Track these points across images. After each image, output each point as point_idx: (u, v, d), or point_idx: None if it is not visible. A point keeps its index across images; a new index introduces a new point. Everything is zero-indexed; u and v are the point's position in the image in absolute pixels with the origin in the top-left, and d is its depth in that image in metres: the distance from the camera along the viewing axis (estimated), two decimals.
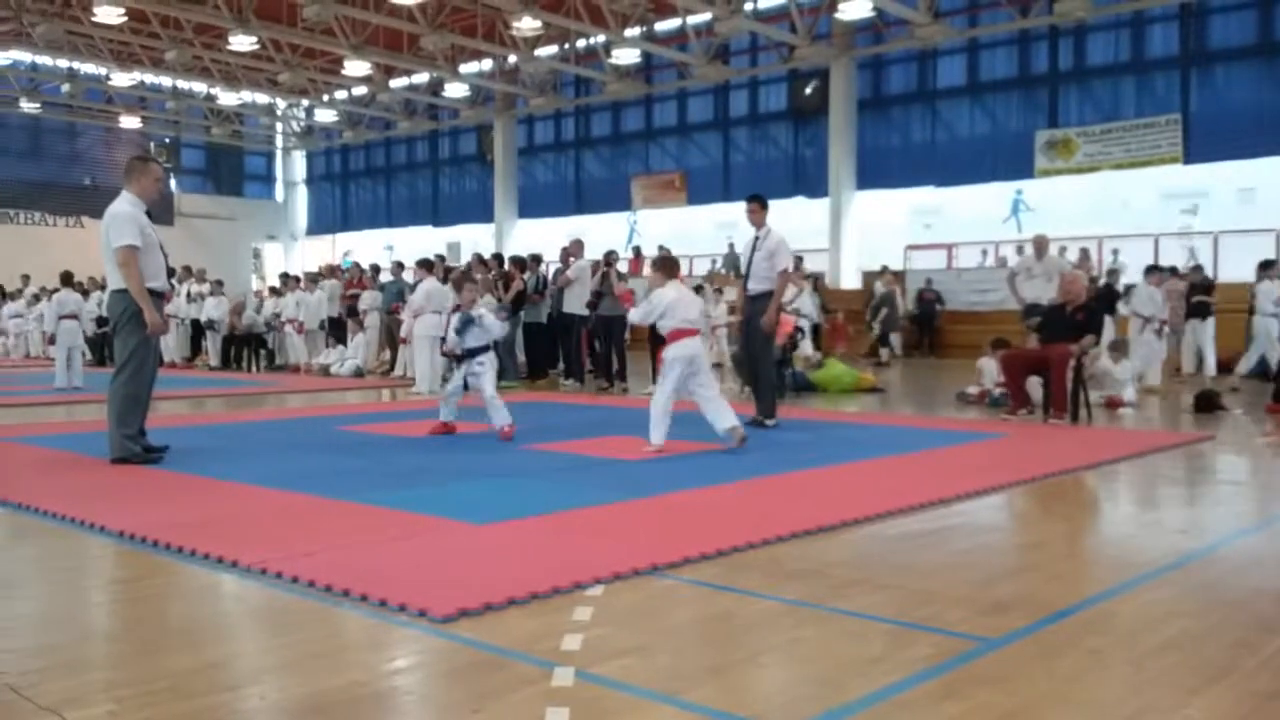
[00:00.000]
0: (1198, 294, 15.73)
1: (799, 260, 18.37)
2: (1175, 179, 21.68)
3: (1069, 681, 3.05)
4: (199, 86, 32.10)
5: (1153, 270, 14.82)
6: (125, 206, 7.02)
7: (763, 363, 9.55)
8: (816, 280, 20.97)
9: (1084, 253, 18.96)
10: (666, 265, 8.21)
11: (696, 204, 28.87)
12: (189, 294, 21.08)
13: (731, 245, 24.74)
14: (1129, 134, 21.90)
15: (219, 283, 21.10)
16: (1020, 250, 22.26)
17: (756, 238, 9.45)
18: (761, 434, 8.48)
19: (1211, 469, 7.56)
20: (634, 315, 8.10)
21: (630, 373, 14.50)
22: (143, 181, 7.18)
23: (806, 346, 17.52)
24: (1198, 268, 16.85)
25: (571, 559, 4.30)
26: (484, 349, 8.50)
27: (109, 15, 22.74)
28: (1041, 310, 11.10)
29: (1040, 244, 12.75)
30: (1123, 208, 22.34)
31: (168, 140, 36.73)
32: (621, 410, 8.26)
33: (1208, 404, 10.82)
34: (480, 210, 33.31)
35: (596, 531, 4.92)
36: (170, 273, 22.80)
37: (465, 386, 8.49)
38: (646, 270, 23.74)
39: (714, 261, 26.82)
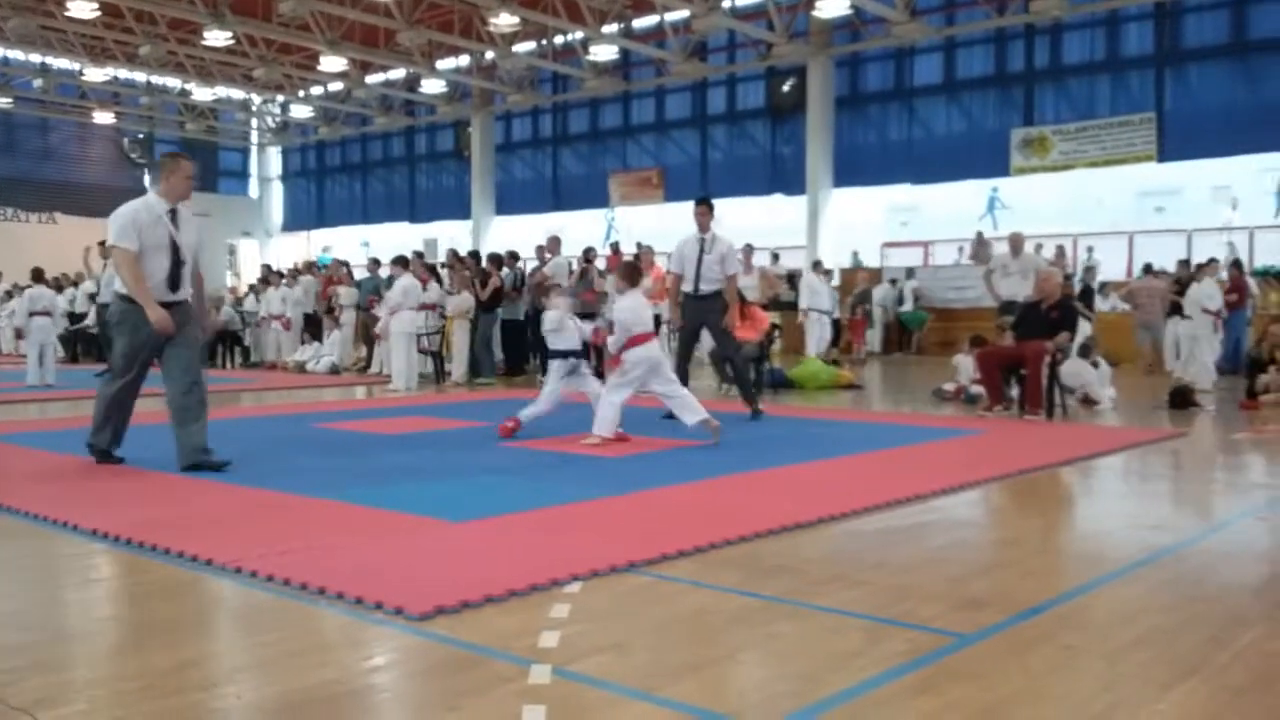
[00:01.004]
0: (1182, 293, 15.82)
1: (817, 260, 18.33)
2: (1149, 177, 21.83)
3: (1043, 677, 3.07)
4: (173, 82, 31.83)
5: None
6: (134, 205, 6.68)
7: (735, 354, 9.99)
8: (891, 279, 20.73)
9: (1059, 250, 19.08)
10: (632, 273, 8.36)
11: (674, 201, 28.81)
12: None
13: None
14: (1104, 132, 22.03)
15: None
16: (973, 247, 22.44)
17: (703, 239, 9.56)
18: (739, 430, 8.50)
19: (1184, 465, 7.62)
20: (612, 347, 8.15)
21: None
22: (172, 180, 6.78)
23: (816, 344, 17.49)
24: (1236, 262, 16.90)
25: (549, 556, 4.30)
26: (579, 352, 8.44)
27: (82, 10, 22.52)
28: (1016, 307, 11.18)
29: (1016, 242, 12.83)
30: (1097, 206, 22.48)
31: (141, 136, 36.42)
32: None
33: (1182, 400, 10.91)
34: (457, 206, 33.19)
35: (574, 528, 4.92)
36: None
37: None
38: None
39: None
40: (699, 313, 9.64)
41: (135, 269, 6.51)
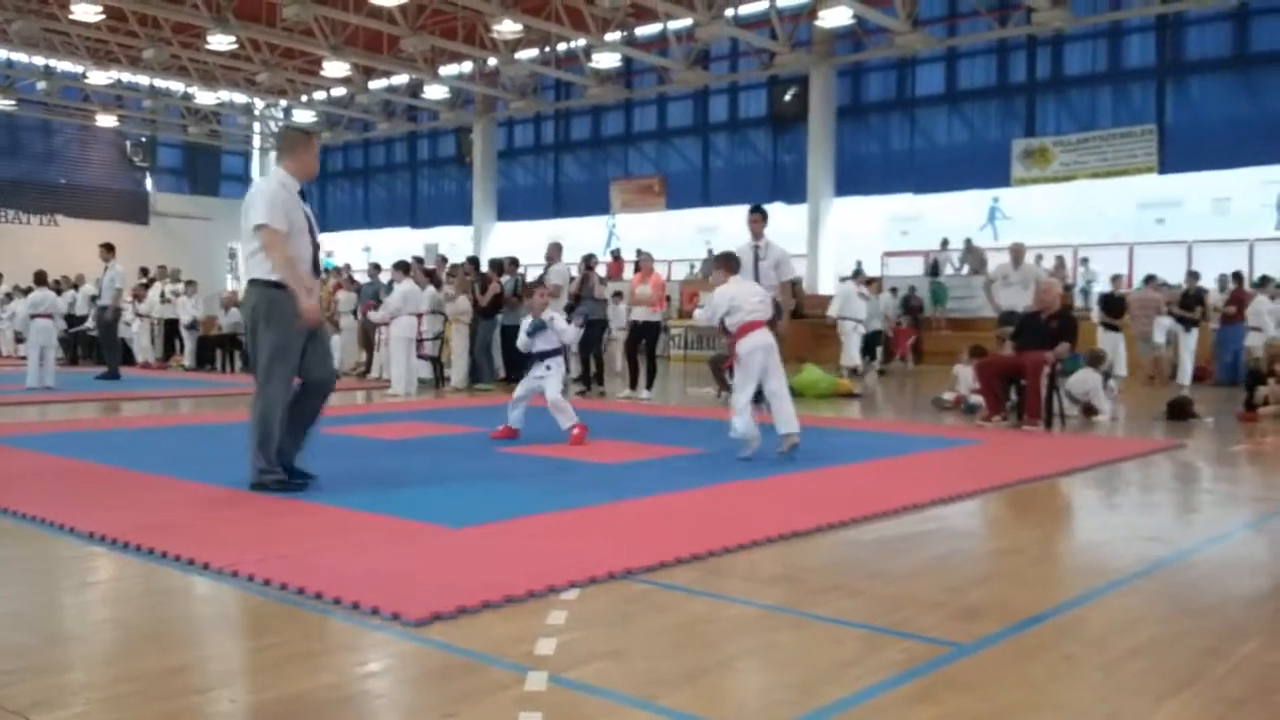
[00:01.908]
0: (1187, 304, 15.87)
1: (858, 269, 18.02)
2: (1150, 188, 21.86)
3: (1040, 687, 3.07)
4: (176, 85, 31.90)
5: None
6: (272, 183, 5.99)
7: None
8: (891, 287, 20.54)
9: (1059, 261, 19.10)
10: (729, 262, 8.06)
11: (675, 208, 28.93)
12: (163, 294, 20.94)
13: (710, 251, 24.76)
14: (1105, 143, 22.08)
15: (192, 283, 20.96)
16: (963, 256, 22.45)
17: (757, 246, 9.58)
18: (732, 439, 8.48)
19: (1182, 476, 7.62)
20: (699, 315, 8.10)
21: (608, 375, 14.49)
22: (304, 157, 6.10)
23: (854, 355, 17.23)
24: (1237, 275, 16.89)
25: (547, 562, 4.29)
26: (554, 353, 8.44)
27: (86, 13, 22.61)
28: (1016, 318, 11.19)
29: (1017, 252, 12.84)
30: (1098, 217, 22.51)
31: (144, 139, 36.48)
32: (599, 414, 8.27)
33: (1180, 412, 10.91)
34: (459, 212, 33.25)
35: (572, 535, 4.91)
36: (143, 272, 22.51)
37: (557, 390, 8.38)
38: (628, 273, 23.77)
39: (692, 266, 26.88)
40: None
41: (287, 252, 5.85)
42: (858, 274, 17.64)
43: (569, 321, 9.13)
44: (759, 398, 7.61)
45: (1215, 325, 16.49)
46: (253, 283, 5.89)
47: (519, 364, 15.72)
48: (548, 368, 8.37)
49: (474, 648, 3.28)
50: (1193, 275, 16.61)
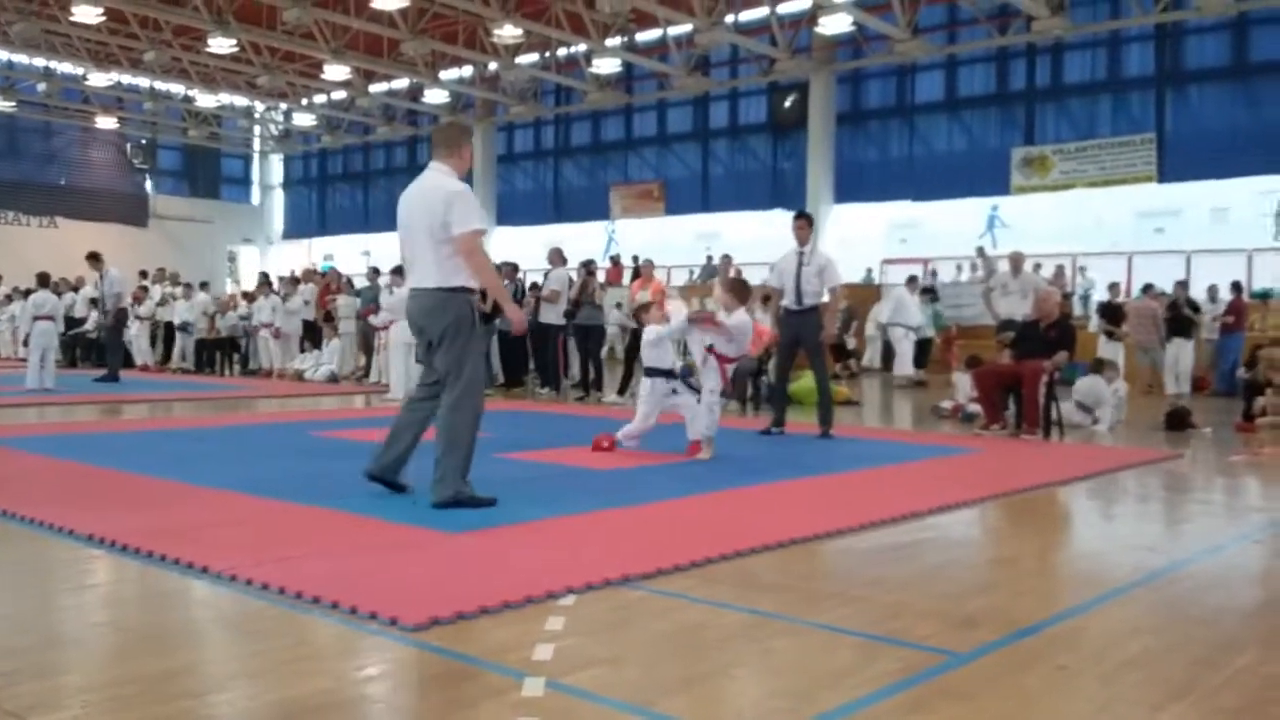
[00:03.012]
0: (1182, 312, 15.88)
1: (912, 275, 17.62)
2: (1149, 198, 21.89)
3: (1035, 697, 3.07)
4: (177, 88, 31.92)
5: None
6: (459, 182, 5.68)
7: (819, 373, 9.78)
8: (935, 292, 20.30)
9: (1058, 270, 19.11)
10: (741, 289, 8.19)
11: (675, 214, 28.94)
12: (162, 297, 20.94)
13: (709, 257, 24.79)
14: (1104, 152, 22.11)
15: (189, 285, 20.96)
16: (976, 265, 22.43)
17: (802, 253, 9.54)
18: (736, 445, 8.50)
19: (1180, 487, 7.63)
20: (667, 331, 8.16)
21: (606, 382, 14.49)
22: (465, 153, 5.87)
23: (907, 364, 17.06)
24: (1236, 285, 16.92)
25: (545, 568, 4.30)
26: (673, 371, 8.26)
27: (87, 15, 22.63)
28: (1015, 326, 11.22)
29: (1016, 260, 12.89)
30: (1097, 225, 22.53)
31: (144, 141, 36.49)
32: (597, 420, 8.27)
33: (1178, 422, 10.92)
34: None
35: (570, 541, 4.92)
36: (143, 275, 22.59)
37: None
38: (625, 279, 23.77)
39: (691, 272, 26.89)
40: (797, 327, 9.60)
41: (487, 259, 5.74)
42: (913, 280, 17.05)
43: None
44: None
45: (1212, 336, 16.52)
46: (451, 290, 5.58)
47: (517, 368, 15.77)
48: (685, 388, 8.16)
49: (471, 653, 3.29)
50: (1181, 285, 16.65)
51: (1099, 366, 12.13)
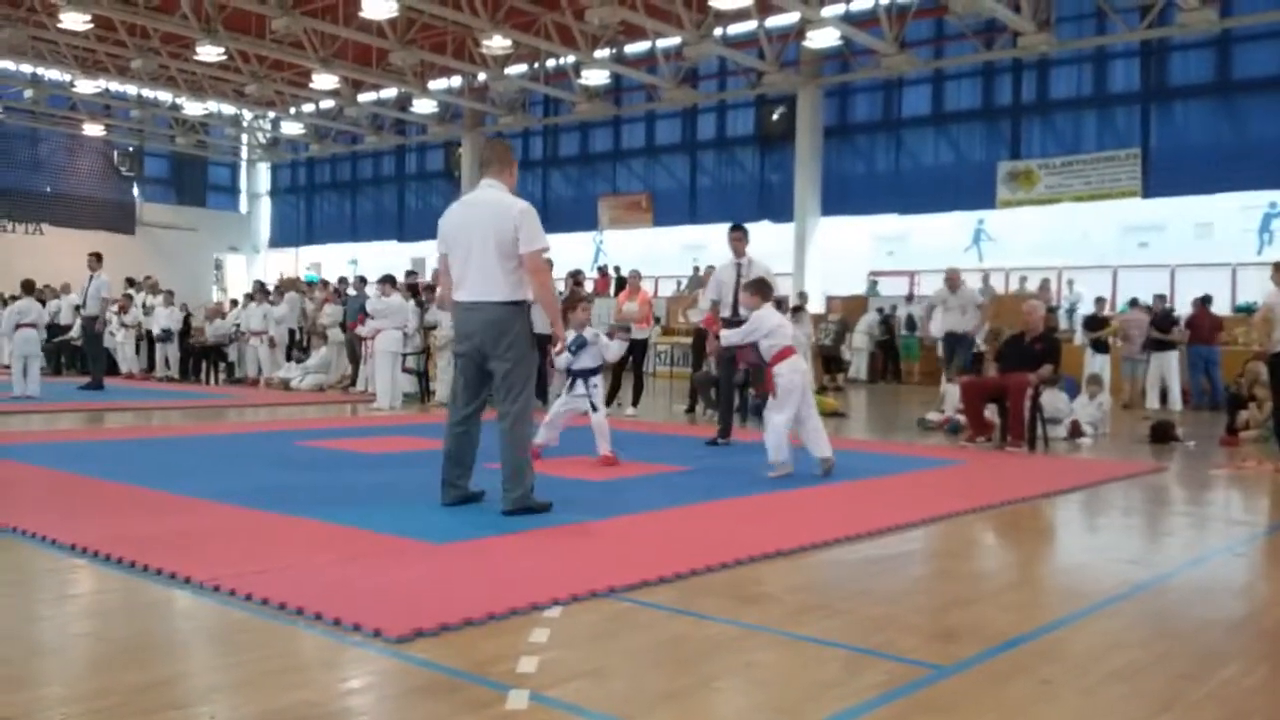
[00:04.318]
0: (1159, 327, 15.96)
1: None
2: (1134, 212, 22.02)
3: (1017, 710, 3.08)
4: (164, 95, 31.83)
5: None
6: (523, 200, 5.85)
7: (726, 384, 9.79)
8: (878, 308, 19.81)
9: (1044, 283, 19.19)
10: (764, 289, 8.19)
11: (662, 225, 28.98)
12: (144, 305, 20.86)
13: (696, 268, 24.82)
14: (1089, 167, 22.23)
15: (170, 293, 20.86)
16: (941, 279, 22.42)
17: (739, 264, 9.64)
18: (720, 457, 8.51)
19: (1163, 500, 7.66)
20: (733, 337, 8.12)
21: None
22: (514, 170, 6.04)
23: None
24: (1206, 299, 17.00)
25: (530, 580, 4.29)
26: (595, 370, 8.23)
27: (75, 22, 22.55)
28: (953, 339, 11.94)
29: (953, 278, 13.21)
30: (1082, 239, 22.64)
31: (131, 149, 36.39)
32: (584, 430, 8.28)
33: (1162, 435, 10.97)
34: None
35: (555, 553, 4.91)
36: (130, 282, 22.48)
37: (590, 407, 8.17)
38: (612, 290, 23.79)
39: (679, 283, 26.93)
40: None
41: (550, 280, 5.94)
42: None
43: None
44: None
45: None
46: (518, 304, 5.76)
47: None
48: (594, 386, 8.15)
49: (456, 665, 3.28)
50: (1159, 298, 16.73)
51: (1094, 382, 12.25)
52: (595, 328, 8.84)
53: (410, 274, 17.11)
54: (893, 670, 3.38)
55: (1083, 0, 21.41)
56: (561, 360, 8.03)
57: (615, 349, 8.64)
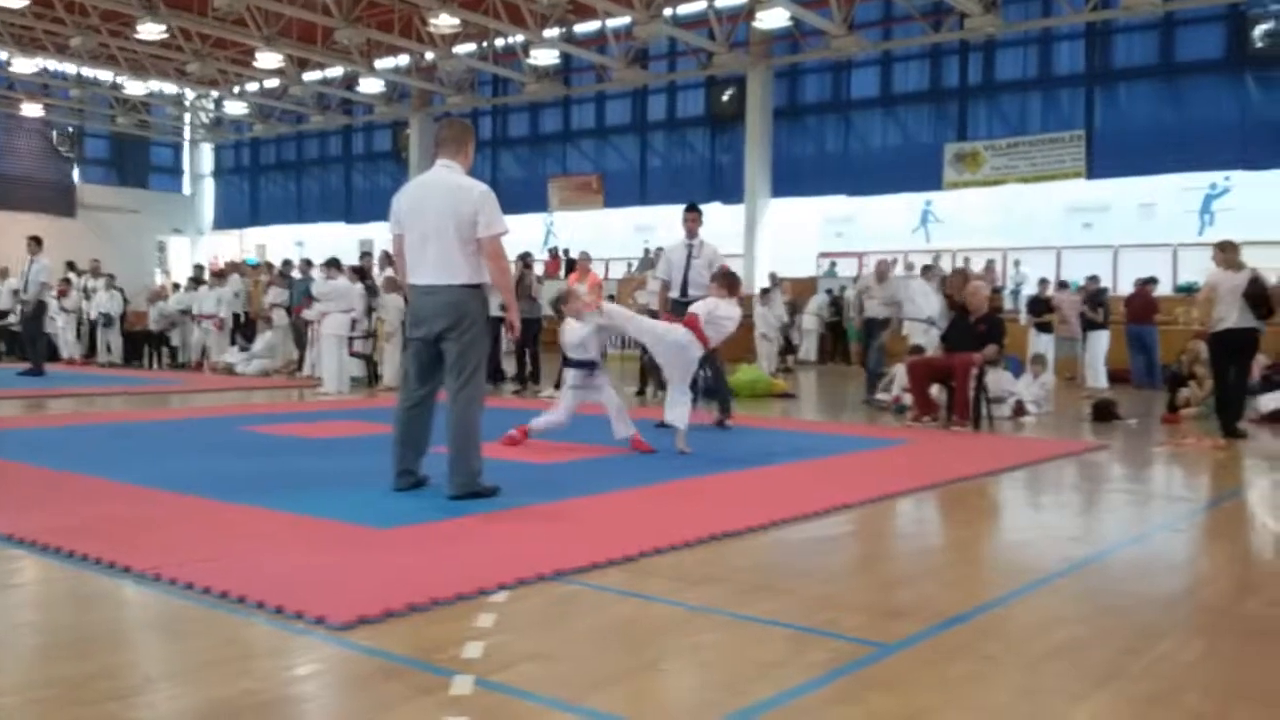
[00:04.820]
0: (1090, 306, 16.17)
1: (928, 264, 16.84)
2: (1078, 193, 22.30)
3: (960, 686, 3.12)
4: (105, 75, 31.19)
5: None
6: (483, 183, 5.78)
7: (714, 365, 9.78)
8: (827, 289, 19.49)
9: (989, 264, 19.39)
10: (731, 282, 8.29)
11: (613, 206, 28.92)
12: (85, 289, 20.49)
13: (647, 250, 24.83)
14: (1035, 149, 22.46)
15: (111, 276, 20.52)
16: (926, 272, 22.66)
17: (690, 245, 9.66)
18: (669, 439, 8.52)
19: (1105, 477, 7.78)
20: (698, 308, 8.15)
21: (544, 375, 14.45)
22: (471, 151, 5.97)
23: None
24: (1152, 279, 17.22)
25: (476, 564, 4.28)
26: (594, 362, 8.11)
27: None
28: (876, 325, 12.62)
29: (881, 269, 13.46)
30: (1027, 220, 22.90)
31: (71, 129, 35.64)
32: (534, 413, 8.25)
33: (1105, 414, 11.15)
34: None
35: (501, 536, 4.90)
36: (70, 266, 22.05)
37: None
38: (563, 272, 23.73)
39: (630, 264, 26.90)
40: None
41: (507, 263, 5.90)
42: (929, 269, 16.08)
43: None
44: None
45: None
46: (474, 286, 5.72)
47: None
48: (605, 373, 8.11)
49: (400, 651, 3.26)
50: (1092, 278, 16.95)
51: (1038, 362, 12.44)
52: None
53: (364, 256, 16.86)
54: (837, 649, 3.40)
55: None
56: (575, 335, 7.93)
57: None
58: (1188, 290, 18.77)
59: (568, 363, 8.37)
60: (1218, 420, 10.12)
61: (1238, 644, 3.66)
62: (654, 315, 13.40)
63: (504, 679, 3.05)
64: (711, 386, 10.25)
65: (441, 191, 5.71)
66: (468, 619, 3.59)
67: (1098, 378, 15.83)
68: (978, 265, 19.01)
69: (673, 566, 4.43)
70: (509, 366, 14.94)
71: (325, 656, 3.27)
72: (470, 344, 5.69)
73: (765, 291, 18.69)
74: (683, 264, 9.70)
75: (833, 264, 24.59)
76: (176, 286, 22.26)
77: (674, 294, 9.76)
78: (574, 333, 7.98)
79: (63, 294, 20.10)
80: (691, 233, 9.86)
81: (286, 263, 20.08)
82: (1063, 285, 17.67)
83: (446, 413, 5.78)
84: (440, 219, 5.64)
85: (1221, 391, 10.18)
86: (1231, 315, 9.86)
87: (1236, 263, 10.07)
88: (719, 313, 7.98)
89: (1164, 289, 18.10)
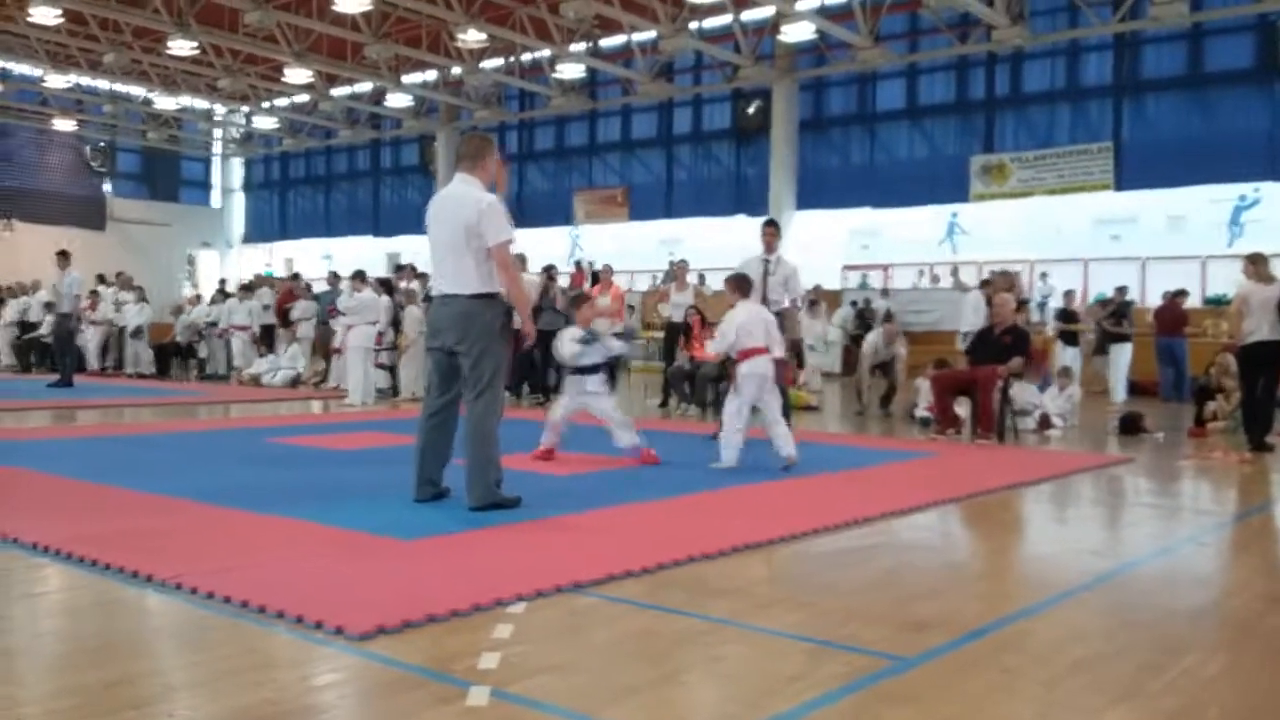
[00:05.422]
0: (1117, 319, 16.02)
1: (985, 279, 16.41)
2: (1106, 205, 22.14)
3: (979, 701, 3.10)
4: (137, 90, 31.54)
5: None
6: (489, 194, 5.84)
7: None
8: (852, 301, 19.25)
9: (1003, 273, 19.21)
10: (742, 285, 8.16)
11: (638, 219, 28.95)
12: (116, 301, 20.69)
13: (672, 263, 24.79)
14: (1062, 160, 22.33)
15: (141, 289, 20.70)
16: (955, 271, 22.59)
17: (768, 260, 9.49)
18: (689, 451, 8.52)
19: (1129, 491, 7.72)
20: (716, 348, 8.13)
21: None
22: (489, 164, 5.99)
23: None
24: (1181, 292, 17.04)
25: (495, 575, 4.29)
26: (598, 368, 8.08)
27: (45, 16, 22.33)
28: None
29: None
30: (1055, 233, 22.75)
31: (103, 144, 36.05)
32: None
33: (1131, 427, 11.05)
34: (421, 221, 32.69)
35: (520, 547, 4.91)
36: (100, 279, 22.22)
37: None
38: (587, 285, 23.73)
39: (654, 277, 26.90)
40: None
41: (518, 272, 5.91)
42: (987, 283, 15.75)
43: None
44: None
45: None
46: (485, 296, 5.74)
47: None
48: (601, 383, 8.06)
49: (417, 662, 3.27)
50: (1120, 290, 16.82)
51: (1064, 374, 12.35)
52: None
53: (399, 269, 16.89)
54: (856, 662, 3.39)
55: None
56: (568, 352, 7.91)
57: (619, 348, 8.51)
58: (1217, 302, 18.60)
59: (575, 370, 8.31)
60: (1245, 434, 10.01)
61: (1261, 659, 3.62)
62: (676, 329, 13.53)
63: (521, 690, 3.05)
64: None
65: (453, 204, 5.84)
66: (485, 630, 3.59)
67: (1118, 391, 15.68)
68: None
69: (692, 578, 4.43)
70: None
71: (344, 666, 3.28)
72: (483, 354, 5.70)
73: (814, 304, 18.69)
74: (760, 280, 9.44)
75: (864, 276, 24.52)
76: (199, 299, 22.43)
77: None
78: (567, 343, 7.95)
79: (91, 306, 20.31)
80: (769, 248, 9.61)
81: (295, 276, 20.19)
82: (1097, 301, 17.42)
83: (464, 424, 5.81)
84: (452, 231, 5.76)
85: (1249, 404, 10.08)
86: (1263, 328, 9.77)
87: (1267, 275, 9.98)
88: (735, 324, 7.88)
89: (1193, 301, 17.93)
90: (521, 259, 14.84)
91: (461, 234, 5.72)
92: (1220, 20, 20.30)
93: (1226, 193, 20.82)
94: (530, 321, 6.13)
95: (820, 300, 19.40)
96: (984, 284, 14.77)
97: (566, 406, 8.06)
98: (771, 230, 9.80)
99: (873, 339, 13.63)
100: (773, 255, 9.60)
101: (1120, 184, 21.63)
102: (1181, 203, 21.32)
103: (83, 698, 2.96)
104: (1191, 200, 21.15)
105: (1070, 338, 16.33)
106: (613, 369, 8.53)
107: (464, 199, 5.80)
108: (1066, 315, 16.68)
